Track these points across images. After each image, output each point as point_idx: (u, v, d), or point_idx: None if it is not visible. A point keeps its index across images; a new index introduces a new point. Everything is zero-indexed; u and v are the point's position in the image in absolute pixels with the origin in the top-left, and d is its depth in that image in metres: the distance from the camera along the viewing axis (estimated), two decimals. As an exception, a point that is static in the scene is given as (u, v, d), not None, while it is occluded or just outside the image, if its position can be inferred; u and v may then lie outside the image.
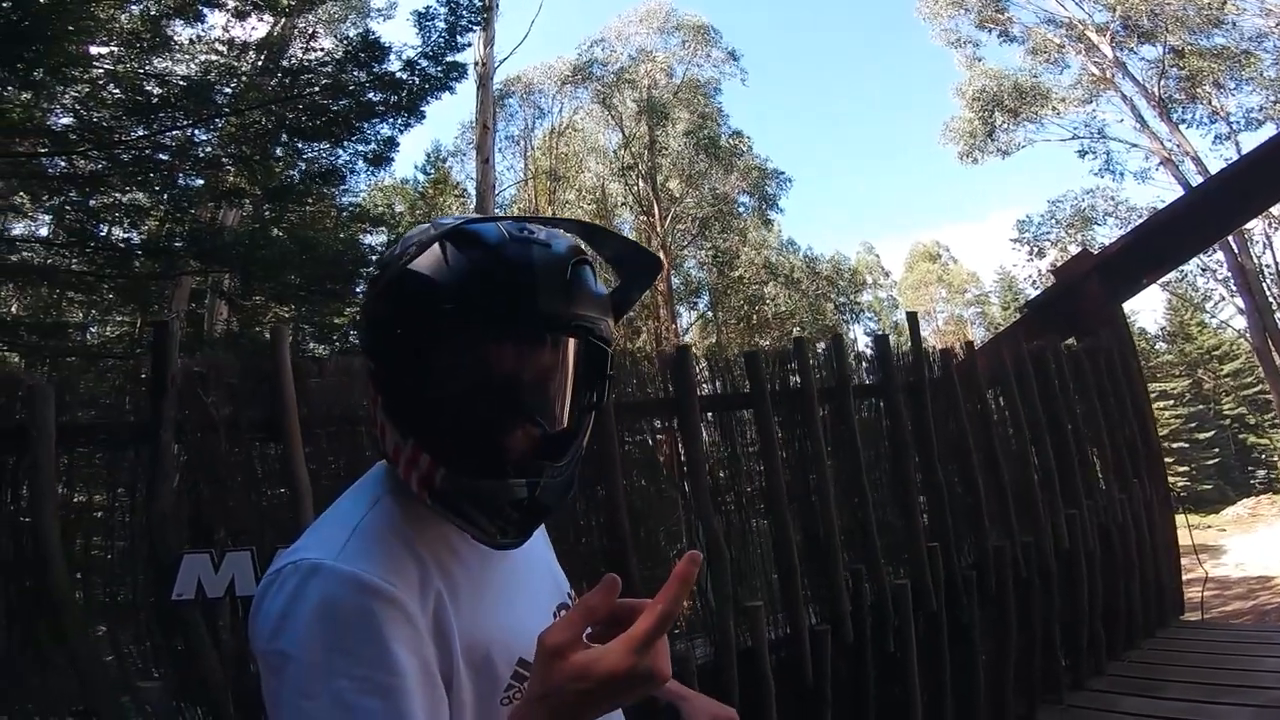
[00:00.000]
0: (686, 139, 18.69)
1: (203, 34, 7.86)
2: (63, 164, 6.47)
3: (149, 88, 6.61)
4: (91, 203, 6.89)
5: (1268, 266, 14.76)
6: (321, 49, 8.69)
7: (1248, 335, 15.79)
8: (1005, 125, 17.36)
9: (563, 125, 19.88)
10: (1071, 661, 3.49)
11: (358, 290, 7.01)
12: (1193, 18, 14.69)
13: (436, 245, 0.66)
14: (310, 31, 10.46)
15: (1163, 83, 15.51)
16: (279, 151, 7.85)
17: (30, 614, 1.65)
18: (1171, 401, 29.90)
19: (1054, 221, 17.77)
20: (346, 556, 0.64)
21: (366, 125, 7.61)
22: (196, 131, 7.04)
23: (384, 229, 9.81)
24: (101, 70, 6.73)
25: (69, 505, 1.80)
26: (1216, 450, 29.93)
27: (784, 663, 2.51)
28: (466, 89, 10.35)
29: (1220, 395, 31.51)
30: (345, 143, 7.74)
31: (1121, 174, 16.92)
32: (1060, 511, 3.54)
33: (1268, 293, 14.45)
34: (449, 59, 7.57)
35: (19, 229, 8.55)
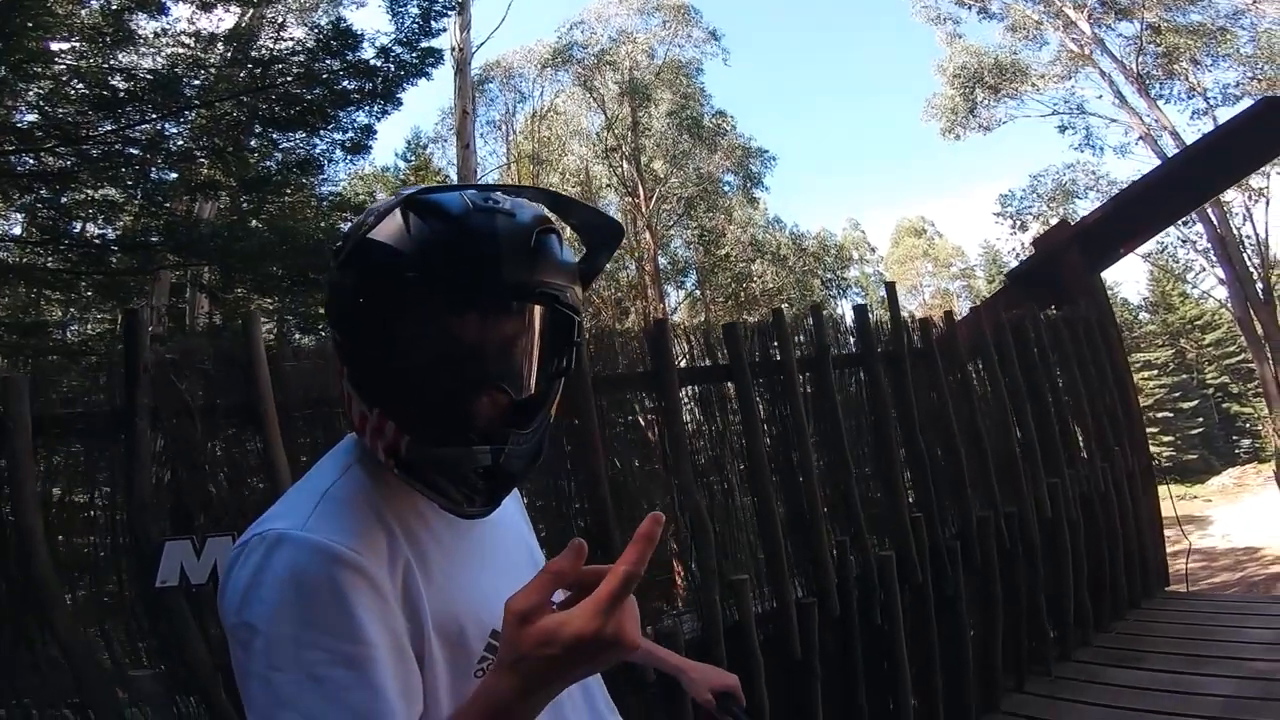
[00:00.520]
0: (669, 120, 18.57)
1: (167, 27, 7.70)
2: (31, 161, 6.34)
3: (114, 82, 6.47)
4: (63, 200, 6.78)
5: (1247, 237, 14.91)
6: (293, 38, 8.53)
7: (1229, 305, 15.99)
8: (986, 102, 17.40)
9: (544, 109, 19.69)
10: (1059, 633, 3.53)
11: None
12: (1170, -6, 14.76)
13: (398, 213, 0.65)
14: (280, 21, 10.27)
15: (1140, 59, 15.57)
16: (253, 143, 7.74)
17: (19, 609, 1.65)
18: (1155, 371, 30.29)
19: (1036, 196, 17.90)
20: (313, 525, 0.64)
21: (342, 114, 7.52)
22: (166, 125, 6.90)
23: (366, 218, 9.69)
24: (64, 66, 6.58)
25: (49, 502, 1.79)
26: (1200, 420, 30.38)
27: (771, 637, 2.53)
28: (445, 75, 10.21)
29: (1203, 364, 31.94)
30: (321, 132, 7.64)
31: (1101, 148, 17.06)
32: (1042, 481, 3.58)
33: (1248, 263, 14.60)
34: (424, 45, 7.49)
35: (-8, 228, 8.40)
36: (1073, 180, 17.35)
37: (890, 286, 3.58)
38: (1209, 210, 13.98)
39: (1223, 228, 14.55)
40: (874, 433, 3.12)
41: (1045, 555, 3.49)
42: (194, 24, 8.05)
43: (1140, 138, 15.96)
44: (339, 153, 8.18)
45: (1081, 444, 4.07)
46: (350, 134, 7.84)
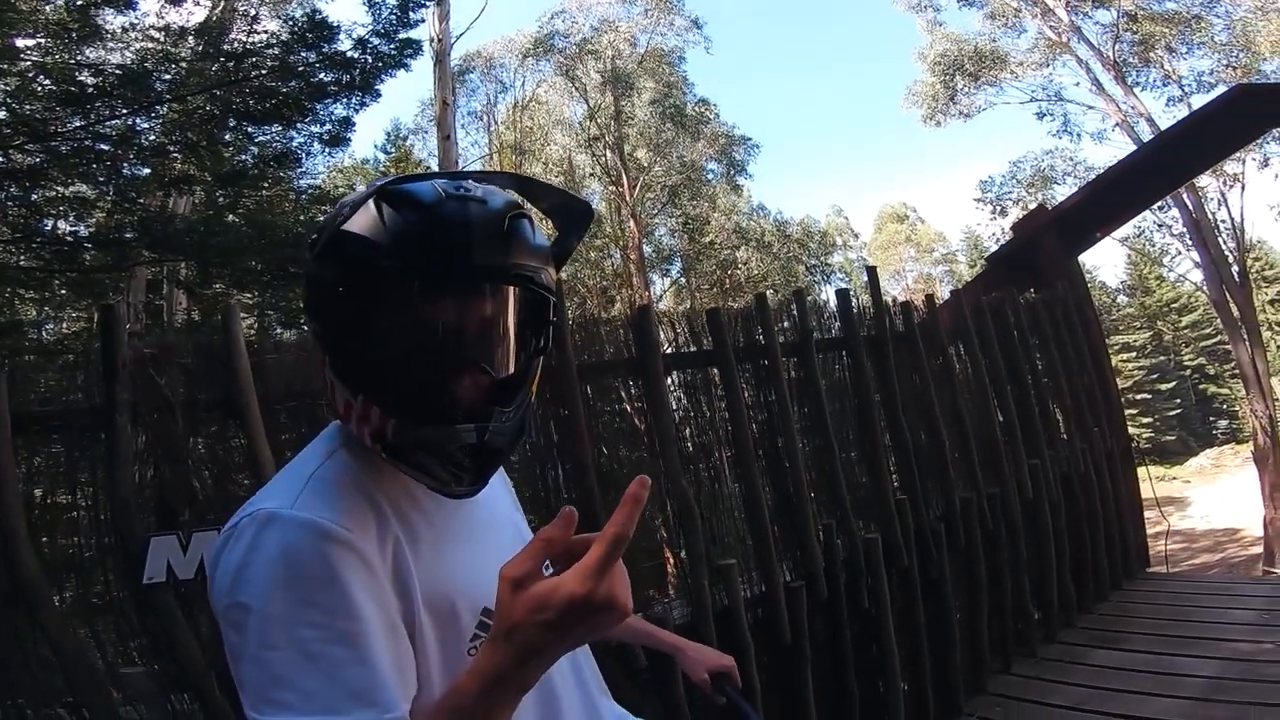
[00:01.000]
0: (652, 108, 18.54)
1: (135, 21, 7.52)
2: (-1, 159, 6.21)
3: (82, 78, 6.31)
4: (34, 197, 6.63)
5: (1222, 221, 15.11)
6: (266, 31, 8.41)
7: (1205, 288, 16.23)
8: (966, 89, 17.46)
9: (526, 99, 19.55)
10: (1043, 615, 3.58)
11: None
12: (1146, -19, 14.87)
13: (371, 204, 0.66)
14: (252, 14, 10.09)
15: (1117, 47, 15.68)
16: (228, 137, 7.60)
17: (8, 610, 1.63)
18: (1134, 354, 30.79)
19: (1015, 181, 18.00)
20: (302, 504, 0.65)
21: (319, 106, 7.37)
22: (137, 120, 6.76)
23: (346, 210, 9.61)
24: (30, 63, 6.43)
25: (31, 503, 1.77)
26: (1178, 401, 30.95)
27: (761, 621, 2.56)
28: (424, 65, 10.11)
29: (1180, 346, 32.50)
30: (298, 125, 7.51)
31: (1079, 135, 17.18)
32: (1023, 462, 3.63)
33: (1223, 246, 14.81)
34: (402, 36, 7.36)
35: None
36: (1051, 166, 17.49)
37: (872, 271, 3.60)
38: (1184, 195, 14.15)
39: (1198, 212, 14.72)
40: (858, 416, 3.15)
41: (1028, 537, 3.53)
42: (163, 18, 7.86)
43: (1117, 124, 16.12)
44: (317, 146, 8.08)
45: (1061, 425, 4.12)
46: (328, 127, 7.72)
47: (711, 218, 18.87)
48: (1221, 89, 13.93)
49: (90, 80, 6.29)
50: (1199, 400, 31.86)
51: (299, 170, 8.76)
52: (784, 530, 2.75)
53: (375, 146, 21.71)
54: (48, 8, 6.72)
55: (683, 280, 20.61)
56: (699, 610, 2.37)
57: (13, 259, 6.94)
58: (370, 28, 7.18)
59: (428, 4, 8.10)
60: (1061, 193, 16.67)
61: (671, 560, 2.75)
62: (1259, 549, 13.52)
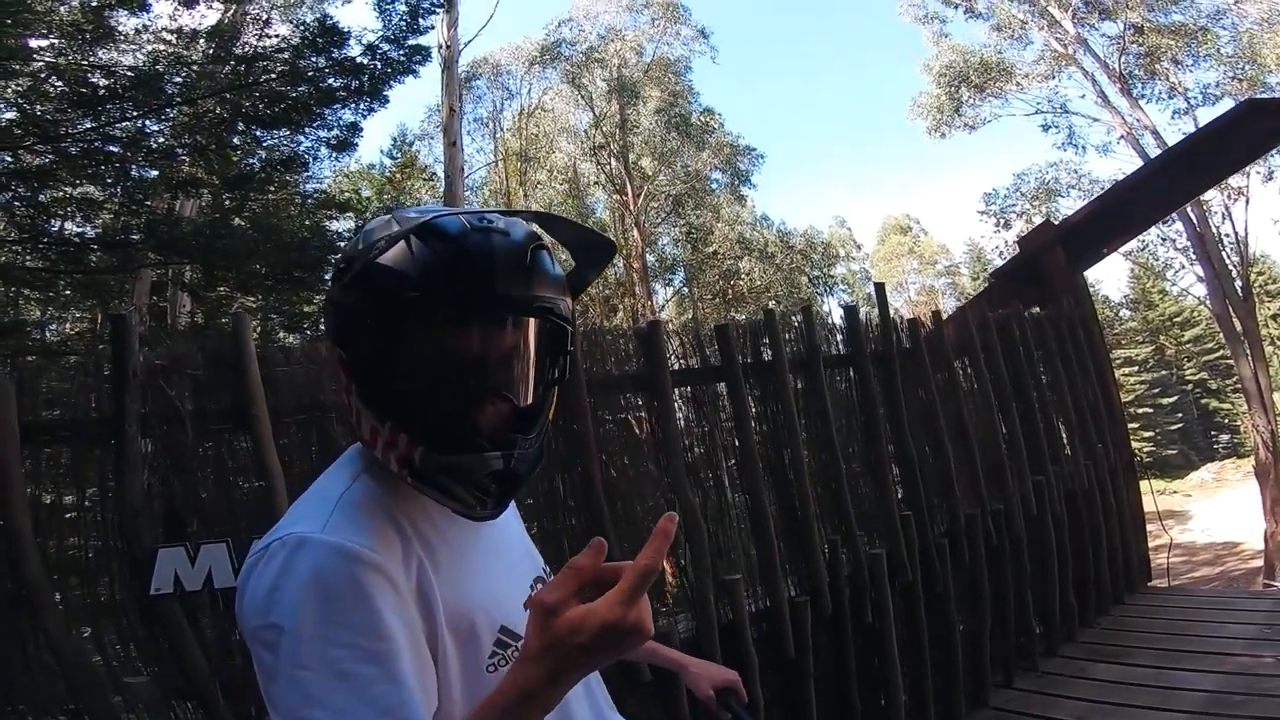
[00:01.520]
0: (657, 117, 18.61)
1: (148, 23, 7.57)
2: (8, 159, 6.23)
3: (94, 79, 6.35)
4: (42, 198, 6.65)
5: (1226, 235, 15.10)
6: (277, 35, 8.43)
7: (1207, 302, 16.21)
8: (971, 100, 17.51)
9: (532, 106, 19.63)
10: (1045, 629, 3.57)
11: (326, 277, 6.89)
12: (1152, -6, 14.92)
13: (402, 240, 0.68)
14: (264, 18, 10.14)
15: (1123, 59, 15.73)
16: (236, 140, 7.63)
17: (12, 613, 1.63)
18: (1136, 368, 30.75)
19: (1019, 194, 18.01)
20: (331, 528, 0.67)
21: (327, 111, 7.42)
22: (147, 122, 6.79)
23: (351, 214, 9.66)
24: (43, 63, 6.46)
25: (39, 506, 1.76)
26: (1180, 415, 30.90)
27: (765, 635, 2.55)
28: (432, 72, 10.13)
29: (1182, 361, 32.46)
30: (306, 129, 7.55)
31: (1084, 147, 17.19)
32: (1027, 478, 3.62)
33: (1227, 260, 14.80)
34: (411, 42, 7.42)
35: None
36: (1055, 179, 17.50)
37: (880, 287, 3.61)
38: (1188, 209, 14.14)
39: (1202, 226, 14.72)
40: (863, 432, 3.14)
41: (1031, 552, 3.53)
42: (176, 20, 7.93)
43: (1122, 137, 16.14)
44: (324, 150, 8.10)
45: (1065, 441, 4.12)
46: (336, 131, 7.76)
47: (715, 228, 18.90)
48: (1228, 101, 14.01)
49: (102, 82, 6.33)
50: (1201, 415, 31.81)
51: (305, 175, 8.79)
52: (789, 545, 2.75)
53: (381, 152, 21.85)
54: (62, 8, 6.77)
55: (685, 290, 20.63)
56: (704, 625, 2.37)
57: (19, 259, 6.96)
58: (380, 33, 7.23)
59: (438, 10, 8.17)
60: (1066, 206, 16.71)
61: (674, 573, 2.75)
62: (1259, 562, 13.51)
